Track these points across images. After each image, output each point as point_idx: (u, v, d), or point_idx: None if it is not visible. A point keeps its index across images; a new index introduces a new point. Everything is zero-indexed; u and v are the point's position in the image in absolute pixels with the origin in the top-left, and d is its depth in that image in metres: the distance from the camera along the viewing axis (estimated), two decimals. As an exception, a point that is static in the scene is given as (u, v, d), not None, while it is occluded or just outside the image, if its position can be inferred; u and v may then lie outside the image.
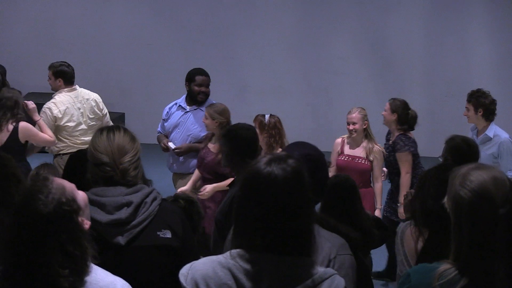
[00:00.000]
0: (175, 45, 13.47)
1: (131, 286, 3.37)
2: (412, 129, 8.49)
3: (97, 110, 9.63)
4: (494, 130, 8.17)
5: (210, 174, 7.97)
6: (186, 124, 9.12)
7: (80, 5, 13.83)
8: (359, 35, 13.60)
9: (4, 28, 13.75)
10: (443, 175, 3.73)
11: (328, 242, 3.68)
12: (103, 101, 9.36)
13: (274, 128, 7.71)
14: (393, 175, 8.46)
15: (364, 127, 8.04)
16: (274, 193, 2.91)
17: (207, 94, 9.07)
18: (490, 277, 2.85)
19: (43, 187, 2.97)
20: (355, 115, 8.04)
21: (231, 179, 7.24)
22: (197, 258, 4.02)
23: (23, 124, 8.42)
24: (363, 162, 8.03)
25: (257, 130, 7.41)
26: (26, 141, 8.59)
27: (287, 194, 2.92)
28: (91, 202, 3.56)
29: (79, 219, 2.97)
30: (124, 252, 3.63)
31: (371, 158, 8.01)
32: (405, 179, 8.17)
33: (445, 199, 3.07)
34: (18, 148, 8.46)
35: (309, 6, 13.37)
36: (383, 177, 8.41)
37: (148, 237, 3.75)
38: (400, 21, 13.35)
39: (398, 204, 8.11)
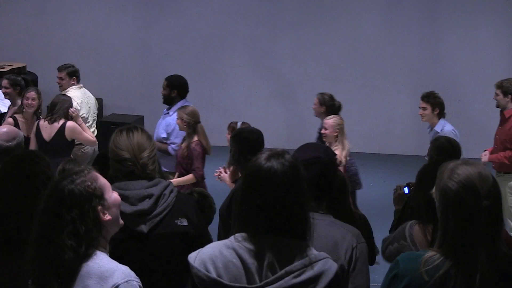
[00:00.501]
0: (188, 54, 13.35)
1: (153, 269, 3.45)
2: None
3: (95, 107, 9.75)
4: (442, 125, 8.26)
5: (184, 169, 7.96)
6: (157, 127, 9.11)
7: (104, 17, 13.69)
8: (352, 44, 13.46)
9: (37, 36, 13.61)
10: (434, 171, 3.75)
11: (349, 233, 3.68)
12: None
13: None
14: None
15: (335, 134, 7.85)
16: (274, 185, 2.93)
17: (164, 95, 8.90)
18: (473, 262, 2.84)
19: (79, 172, 3.06)
20: (329, 121, 7.96)
21: (190, 175, 7.67)
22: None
23: (70, 123, 8.40)
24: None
25: (229, 136, 7.43)
26: (73, 140, 8.58)
27: (285, 186, 2.94)
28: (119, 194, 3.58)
29: (99, 208, 3.00)
30: (147, 239, 3.66)
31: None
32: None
33: (433, 190, 3.07)
34: (65, 145, 8.49)
35: (308, 18, 13.19)
36: None
37: (167, 225, 3.77)
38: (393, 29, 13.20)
39: None
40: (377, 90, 13.06)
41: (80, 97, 9.31)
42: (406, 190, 5.60)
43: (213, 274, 2.90)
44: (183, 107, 8.05)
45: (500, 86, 8.54)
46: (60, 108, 8.50)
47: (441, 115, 8.36)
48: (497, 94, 8.55)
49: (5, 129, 5.77)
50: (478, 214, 2.85)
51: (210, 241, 4.05)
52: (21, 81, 9.30)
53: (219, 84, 13.05)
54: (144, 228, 3.68)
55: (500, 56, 12.91)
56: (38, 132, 8.42)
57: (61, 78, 9.36)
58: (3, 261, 3.88)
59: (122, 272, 3.03)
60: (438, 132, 8.09)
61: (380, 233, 5.60)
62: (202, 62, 13.32)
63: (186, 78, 8.87)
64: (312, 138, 8.65)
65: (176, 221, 3.81)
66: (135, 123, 9.27)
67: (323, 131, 7.86)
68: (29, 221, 3.45)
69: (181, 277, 3.85)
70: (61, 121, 8.54)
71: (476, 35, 12.99)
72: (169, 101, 8.84)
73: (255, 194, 2.95)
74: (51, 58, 11.28)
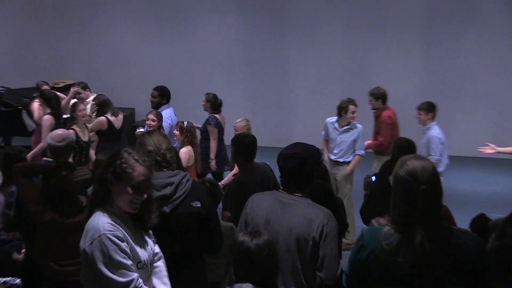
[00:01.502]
0: (201, 70, 13.23)
1: (174, 240, 3.60)
2: (219, 111, 9.04)
3: None
4: (432, 126, 8.19)
5: None
6: None
7: (137, 40, 13.57)
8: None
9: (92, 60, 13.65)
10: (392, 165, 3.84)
11: (322, 212, 3.72)
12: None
13: (189, 131, 7.78)
14: (205, 141, 8.90)
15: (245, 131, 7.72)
16: None
17: (155, 102, 9.01)
18: (413, 234, 2.91)
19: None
20: (238, 124, 7.98)
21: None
22: (218, 222, 4.17)
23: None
24: None
25: (177, 132, 7.83)
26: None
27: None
28: None
29: (109, 176, 3.13)
30: (169, 217, 3.71)
31: None
32: (213, 144, 8.77)
33: (390, 177, 3.12)
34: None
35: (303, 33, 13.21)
36: None
37: (185, 207, 3.84)
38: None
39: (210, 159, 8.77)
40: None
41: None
42: (373, 178, 5.68)
43: None
44: (181, 122, 8.04)
45: (372, 93, 8.95)
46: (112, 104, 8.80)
47: (434, 118, 8.27)
48: (370, 100, 8.93)
49: (59, 132, 5.70)
50: (417, 195, 2.91)
51: (218, 220, 4.17)
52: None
53: (225, 93, 12.95)
54: (166, 209, 3.74)
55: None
56: (111, 125, 8.68)
57: (153, 97, 9.17)
58: None
59: (96, 229, 3.07)
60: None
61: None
62: (211, 75, 13.33)
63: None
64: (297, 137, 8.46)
65: (191, 203, 3.87)
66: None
67: (233, 132, 7.79)
68: None
69: (195, 246, 3.99)
70: (120, 114, 8.91)
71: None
72: (158, 106, 8.93)
73: None
74: (94, 74, 11.23)
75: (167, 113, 8.86)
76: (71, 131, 5.93)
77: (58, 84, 11.71)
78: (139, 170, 3.14)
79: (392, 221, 3.02)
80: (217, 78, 13.08)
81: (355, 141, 8.22)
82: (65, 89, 11.29)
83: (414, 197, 2.93)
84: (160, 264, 3.50)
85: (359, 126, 8.29)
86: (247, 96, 13.36)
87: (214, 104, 9.08)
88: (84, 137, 8.10)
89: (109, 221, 3.12)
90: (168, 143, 4.05)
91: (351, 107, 8.09)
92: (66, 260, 4.25)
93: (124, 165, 3.12)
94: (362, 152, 8.24)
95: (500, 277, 3.56)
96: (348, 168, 8.15)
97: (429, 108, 8.20)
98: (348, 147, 8.21)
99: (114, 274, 3.06)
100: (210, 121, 8.90)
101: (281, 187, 4.00)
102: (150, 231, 3.47)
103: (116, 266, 3.07)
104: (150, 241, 3.41)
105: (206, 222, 3.94)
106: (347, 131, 8.23)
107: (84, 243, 3.11)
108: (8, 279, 5.27)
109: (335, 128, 8.31)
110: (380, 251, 2.97)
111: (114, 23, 13.50)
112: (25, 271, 5.30)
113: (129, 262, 3.10)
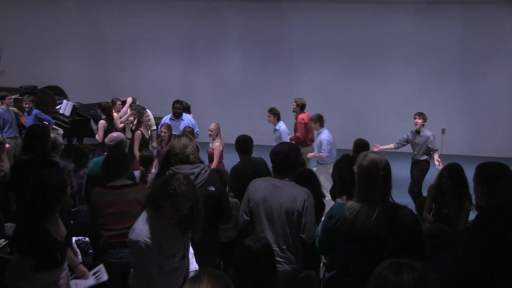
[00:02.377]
0: (218, 91, 13.28)
1: None
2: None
3: None
4: (323, 131, 8.30)
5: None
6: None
7: (166, 67, 13.64)
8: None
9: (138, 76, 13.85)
10: (351, 159, 3.96)
11: (303, 191, 3.82)
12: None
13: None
14: None
15: (216, 133, 7.82)
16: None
17: (179, 112, 9.03)
18: (373, 204, 2.95)
19: None
20: (212, 127, 7.86)
21: None
22: (227, 200, 4.18)
23: None
24: (211, 150, 7.86)
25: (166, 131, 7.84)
26: None
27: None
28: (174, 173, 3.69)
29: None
30: None
31: (212, 148, 7.84)
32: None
33: (354, 167, 3.15)
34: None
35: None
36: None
37: (203, 190, 3.78)
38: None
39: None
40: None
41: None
42: None
43: None
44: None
45: (296, 101, 9.18)
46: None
47: (425, 124, 8.34)
48: (294, 106, 9.18)
49: (113, 135, 5.65)
50: (377, 179, 2.95)
51: (227, 199, 4.20)
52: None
53: (234, 107, 13.01)
54: None
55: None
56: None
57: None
58: None
59: (138, 233, 3.02)
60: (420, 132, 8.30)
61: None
62: (227, 93, 13.25)
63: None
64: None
65: (208, 188, 3.88)
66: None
67: (209, 132, 7.84)
68: None
69: (211, 220, 3.97)
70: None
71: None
72: (179, 115, 8.94)
73: None
74: (141, 94, 11.23)
75: (187, 118, 9.04)
76: (121, 134, 5.89)
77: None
78: (179, 198, 2.99)
79: (358, 198, 3.03)
80: (232, 97, 13.03)
81: (279, 138, 8.58)
82: (123, 105, 11.33)
83: (375, 180, 2.96)
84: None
85: (281, 128, 8.68)
86: (249, 110, 13.20)
87: (186, 108, 9.21)
88: (147, 135, 8.32)
89: (148, 230, 3.01)
90: (192, 145, 4.01)
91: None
92: (112, 226, 4.16)
93: (172, 192, 3.00)
94: (324, 154, 8.17)
95: (432, 254, 3.60)
96: None
97: (317, 119, 8.26)
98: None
99: (139, 274, 3.07)
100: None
101: (273, 174, 4.09)
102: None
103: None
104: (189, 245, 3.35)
105: (219, 201, 3.98)
106: (274, 131, 8.76)
107: (129, 235, 3.07)
108: (80, 238, 5.31)
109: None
110: (345, 219, 3.00)
111: (157, 57, 13.51)
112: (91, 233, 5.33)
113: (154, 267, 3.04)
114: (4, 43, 13.85)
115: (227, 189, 5.01)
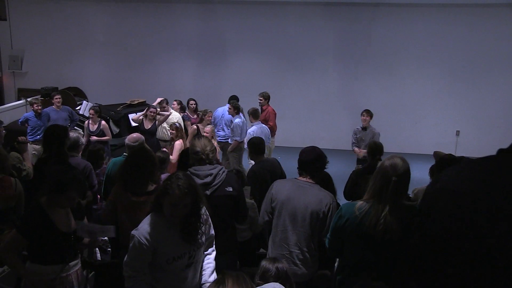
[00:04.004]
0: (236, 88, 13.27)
1: (214, 215, 3.42)
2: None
3: None
4: (372, 126, 8.69)
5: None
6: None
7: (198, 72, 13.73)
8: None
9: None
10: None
11: (328, 195, 3.79)
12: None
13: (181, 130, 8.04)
14: None
15: (212, 135, 7.86)
16: None
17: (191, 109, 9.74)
18: (381, 207, 2.92)
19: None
20: (207, 129, 7.84)
21: None
22: (244, 200, 4.18)
23: None
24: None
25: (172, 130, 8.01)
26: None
27: None
28: (192, 174, 3.69)
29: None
30: (210, 198, 3.68)
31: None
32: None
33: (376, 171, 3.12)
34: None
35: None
36: None
37: (221, 191, 3.84)
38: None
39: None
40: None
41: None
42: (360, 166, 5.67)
43: None
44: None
45: (262, 95, 9.68)
46: None
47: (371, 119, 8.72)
48: (260, 99, 9.61)
49: (134, 135, 5.71)
50: (389, 183, 2.92)
51: (244, 199, 4.17)
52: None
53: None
54: (208, 192, 3.73)
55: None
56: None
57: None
58: None
59: (137, 229, 3.03)
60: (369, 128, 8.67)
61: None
62: (244, 95, 13.17)
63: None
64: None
65: (225, 188, 3.86)
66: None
67: (205, 134, 7.72)
68: None
69: (229, 219, 4.00)
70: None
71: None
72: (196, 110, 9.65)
73: None
74: (158, 96, 11.22)
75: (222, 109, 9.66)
76: (140, 135, 5.88)
77: (134, 102, 11.80)
78: (176, 192, 2.95)
79: (369, 195, 3.02)
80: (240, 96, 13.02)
81: (232, 129, 8.93)
82: (139, 105, 11.43)
83: (387, 182, 2.93)
84: (209, 258, 3.39)
85: (235, 120, 8.90)
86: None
87: (162, 109, 9.36)
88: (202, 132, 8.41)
89: (148, 230, 2.99)
90: (212, 146, 4.00)
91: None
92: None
93: (167, 186, 2.99)
94: (236, 138, 8.79)
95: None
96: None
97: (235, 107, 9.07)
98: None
99: (128, 265, 3.03)
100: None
101: (299, 176, 3.98)
102: (208, 230, 3.29)
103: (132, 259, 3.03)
104: (201, 239, 3.19)
105: (236, 201, 3.95)
106: (368, 132, 8.71)
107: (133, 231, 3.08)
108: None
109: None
110: (354, 218, 2.99)
111: (174, 60, 13.52)
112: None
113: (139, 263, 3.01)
114: (26, 46, 14.01)
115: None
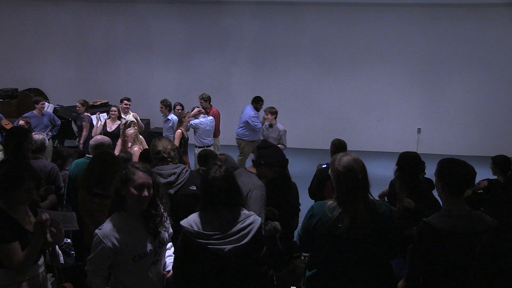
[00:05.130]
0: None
1: (178, 214, 3.36)
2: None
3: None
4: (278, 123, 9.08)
5: None
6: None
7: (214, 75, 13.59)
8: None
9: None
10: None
11: (253, 184, 3.87)
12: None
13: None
14: None
15: (133, 137, 7.35)
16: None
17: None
18: (355, 207, 2.92)
19: None
20: (128, 132, 7.39)
21: None
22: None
23: None
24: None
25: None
26: None
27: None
28: (157, 173, 3.62)
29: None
30: (173, 197, 3.69)
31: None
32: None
33: (329, 171, 3.13)
34: None
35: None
36: None
37: (184, 189, 3.83)
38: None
39: None
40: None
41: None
42: (325, 165, 5.68)
43: (195, 228, 2.93)
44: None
45: (203, 97, 9.55)
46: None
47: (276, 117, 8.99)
48: (202, 102, 9.51)
49: (98, 137, 5.62)
50: (357, 181, 2.92)
51: None
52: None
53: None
54: (171, 191, 3.73)
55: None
56: None
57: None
58: None
59: (99, 230, 2.97)
60: (275, 126, 9.01)
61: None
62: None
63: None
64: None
65: (189, 187, 3.85)
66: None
67: (125, 138, 7.47)
68: None
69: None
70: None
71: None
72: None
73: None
74: (121, 96, 11.07)
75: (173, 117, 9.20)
76: (104, 136, 5.80)
77: (96, 102, 11.63)
78: (139, 174, 2.95)
79: (336, 198, 3.00)
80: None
81: (171, 127, 8.98)
82: (101, 106, 11.27)
83: (353, 183, 2.93)
84: (169, 251, 3.38)
85: (173, 118, 9.04)
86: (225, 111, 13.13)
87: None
88: (186, 135, 8.38)
89: (112, 229, 2.94)
90: (172, 145, 4.03)
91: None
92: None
93: (127, 172, 2.97)
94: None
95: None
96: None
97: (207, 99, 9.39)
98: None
99: (89, 261, 2.97)
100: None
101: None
102: (168, 228, 3.24)
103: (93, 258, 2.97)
104: (164, 235, 3.16)
105: (199, 200, 3.94)
106: (165, 122, 9.19)
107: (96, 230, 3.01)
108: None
109: None
110: (326, 219, 2.97)
111: (136, 61, 13.35)
112: (73, 234, 5.26)
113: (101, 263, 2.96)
114: (-16, 46, 13.63)
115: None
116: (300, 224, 3.30)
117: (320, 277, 3.07)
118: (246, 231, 2.92)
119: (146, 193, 2.96)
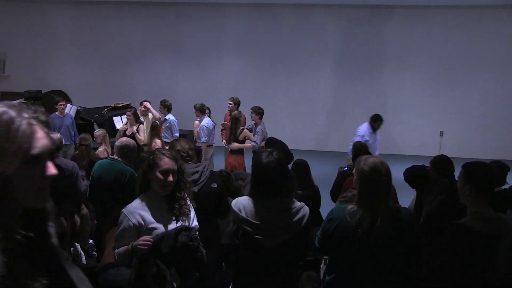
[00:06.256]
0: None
1: (201, 209, 3.46)
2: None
3: None
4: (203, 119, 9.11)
5: None
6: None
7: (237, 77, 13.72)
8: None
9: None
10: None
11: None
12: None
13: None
14: None
15: (101, 139, 7.82)
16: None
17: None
18: (376, 210, 2.90)
19: None
20: (96, 133, 7.73)
21: None
22: (227, 198, 4.27)
23: None
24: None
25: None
26: None
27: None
28: None
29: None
30: (197, 194, 3.69)
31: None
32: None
33: (354, 171, 3.10)
34: None
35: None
36: None
37: (207, 187, 3.94)
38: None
39: None
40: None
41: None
42: (346, 168, 5.69)
43: (243, 214, 3.03)
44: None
45: (232, 99, 9.31)
46: None
47: (261, 117, 8.71)
48: (230, 104, 9.27)
49: (123, 139, 5.62)
50: (380, 185, 2.89)
51: (227, 197, 4.28)
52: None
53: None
54: (195, 189, 3.77)
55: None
56: None
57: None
58: None
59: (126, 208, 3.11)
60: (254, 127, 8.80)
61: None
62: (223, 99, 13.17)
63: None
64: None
65: (211, 185, 3.98)
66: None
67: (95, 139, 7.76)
68: None
69: (215, 213, 4.10)
70: None
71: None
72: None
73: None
74: (142, 98, 11.19)
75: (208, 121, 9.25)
76: (129, 139, 5.86)
77: (118, 104, 11.76)
78: (165, 160, 3.09)
79: (357, 201, 2.98)
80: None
81: (169, 128, 9.08)
82: (123, 108, 11.39)
83: (378, 186, 2.91)
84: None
85: (170, 118, 9.07)
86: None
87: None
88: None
89: (137, 208, 3.08)
90: (190, 145, 4.18)
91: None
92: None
93: (155, 158, 3.11)
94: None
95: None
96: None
97: (200, 110, 9.19)
98: None
99: (116, 238, 3.09)
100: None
101: None
102: (192, 215, 3.32)
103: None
104: (189, 218, 3.26)
105: (220, 197, 4.06)
106: (164, 122, 9.13)
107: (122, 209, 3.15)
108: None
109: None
110: (345, 224, 2.93)
111: (159, 62, 13.52)
112: (95, 235, 5.32)
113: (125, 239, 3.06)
114: (9, 49, 13.92)
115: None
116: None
117: (339, 282, 3.05)
118: (294, 225, 3.02)
119: (171, 178, 3.09)
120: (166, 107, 9.30)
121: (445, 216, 3.79)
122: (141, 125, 8.82)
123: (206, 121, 9.15)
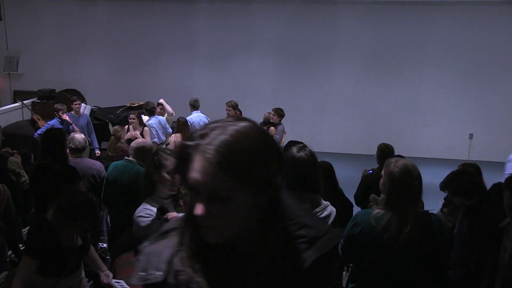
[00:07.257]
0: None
1: None
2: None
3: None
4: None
5: None
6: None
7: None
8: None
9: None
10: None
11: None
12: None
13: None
14: None
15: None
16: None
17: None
18: (406, 215, 2.85)
19: None
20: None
21: None
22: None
23: None
24: None
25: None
26: None
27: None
28: None
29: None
30: None
31: None
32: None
33: (382, 173, 3.05)
34: None
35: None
36: None
37: None
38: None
39: None
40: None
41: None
42: (370, 171, 5.65)
43: None
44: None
45: (229, 104, 9.32)
46: None
47: (281, 118, 8.99)
48: (228, 110, 9.25)
49: (139, 140, 5.69)
50: (411, 189, 2.87)
51: None
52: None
53: (252, 109, 12.93)
54: None
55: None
56: None
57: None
58: None
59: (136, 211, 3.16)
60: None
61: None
62: (243, 98, 13.23)
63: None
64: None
65: None
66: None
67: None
68: None
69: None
70: None
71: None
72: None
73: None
74: (157, 97, 11.19)
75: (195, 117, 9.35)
76: (146, 140, 5.87)
77: (133, 104, 11.82)
78: (171, 160, 3.06)
79: (387, 207, 2.94)
80: (248, 99, 12.93)
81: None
82: (139, 108, 11.42)
83: (409, 189, 2.87)
84: None
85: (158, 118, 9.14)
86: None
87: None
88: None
89: (145, 208, 3.12)
90: None
91: None
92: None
93: (160, 158, 3.12)
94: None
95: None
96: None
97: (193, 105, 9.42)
98: None
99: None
100: None
101: None
102: None
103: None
104: None
105: None
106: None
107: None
108: (98, 244, 5.32)
109: None
110: (370, 229, 2.90)
111: (175, 62, 13.53)
112: (109, 238, 5.33)
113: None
114: (22, 47, 14.05)
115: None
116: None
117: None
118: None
119: (176, 181, 3.11)
120: (147, 110, 9.23)
121: None
122: (146, 128, 8.74)
123: (193, 117, 9.30)
